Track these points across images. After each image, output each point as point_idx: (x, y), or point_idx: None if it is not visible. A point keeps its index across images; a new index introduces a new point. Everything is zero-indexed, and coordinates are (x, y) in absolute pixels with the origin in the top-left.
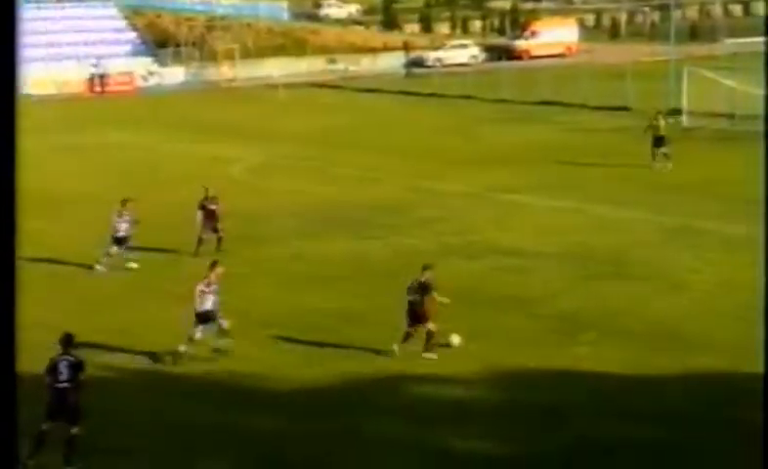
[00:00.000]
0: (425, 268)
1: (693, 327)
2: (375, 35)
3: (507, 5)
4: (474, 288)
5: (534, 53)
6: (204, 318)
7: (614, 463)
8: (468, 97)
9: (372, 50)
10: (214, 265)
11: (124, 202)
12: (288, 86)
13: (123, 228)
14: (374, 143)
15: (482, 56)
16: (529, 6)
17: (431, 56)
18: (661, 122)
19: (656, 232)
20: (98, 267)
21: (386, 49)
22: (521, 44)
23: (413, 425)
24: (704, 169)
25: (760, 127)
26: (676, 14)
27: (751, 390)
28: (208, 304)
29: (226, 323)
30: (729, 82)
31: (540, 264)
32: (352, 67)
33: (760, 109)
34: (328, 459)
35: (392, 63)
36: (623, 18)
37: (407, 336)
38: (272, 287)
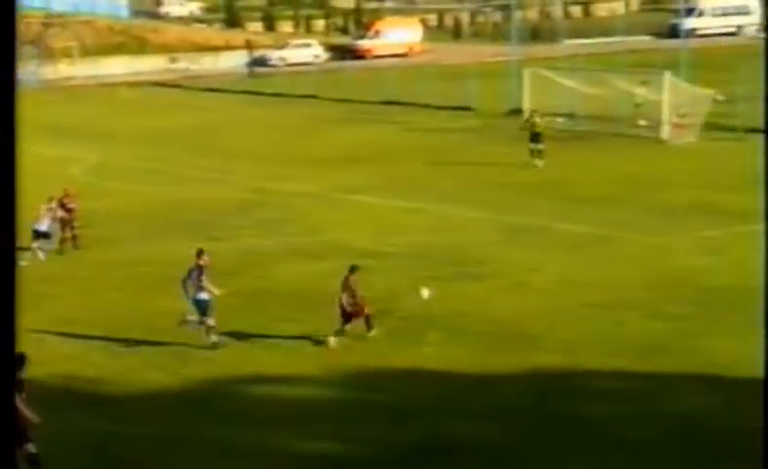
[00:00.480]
0: (351, 270)
1: (534, 325)
2: (217, 34)
3: (350, 4)
4: (320, 289)
5: (378, 52)
6: (200, 307)
7: (457, 462)
8: (312, 96)
9: (214, 49)
10: (200, 254)
11: (50, 199)
12: (130, 85)
13: (46, 224)
14: (218, 143)
15: (325, 55)
16: (372, 5)
17: (274, 55)
18: (537, 119)
19: (498, 231)
20: (40, 254)
21: (228, 48)
22: (364, 44)
23: (253, 428)
24: (546, 168)
25: (600, 127)
26: (517, 15)
27: (590, 385)
28: (203, 293)
29: (212, 321)
30: (569, 82)
31: (386, 264)
32: (194, 67)
33: (599, 109)
34: (158, 464)
35: (235, 62)
36: (466, 18)
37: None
38: (115, 291)
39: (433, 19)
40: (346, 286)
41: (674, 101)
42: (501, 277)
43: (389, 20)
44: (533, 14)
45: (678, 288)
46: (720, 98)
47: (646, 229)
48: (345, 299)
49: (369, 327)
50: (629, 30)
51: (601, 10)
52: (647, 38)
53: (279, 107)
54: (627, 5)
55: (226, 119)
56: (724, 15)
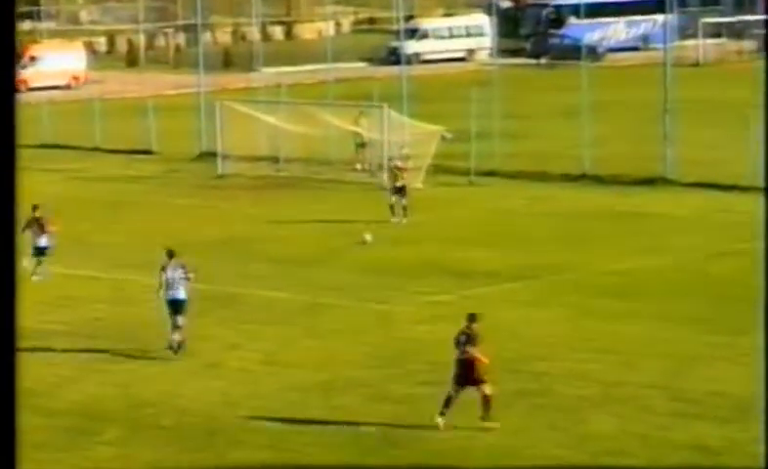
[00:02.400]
0: (471, 318)
1: (232, 416)
2: None
3: None
4: None
5: (34, 84)
6: (178, 306)
7: None
8: None
9: None
10: (171, 255)
11: (35, 208)
12: None
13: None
14: None
15: None
16: (25, 26)
17: None
18: (398, 164)
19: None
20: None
21: None
22: (17, 72)
23: None
24: (240, 225)
25: (308, 172)
26: (205, 37)
27: None
28: (181, 293)
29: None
30: (270, 119)
31: (51, 345)
32: None
33: (305, 151)
34: None
35: None
36: (142, 41)
37: (450, 400)
38: None
39: (102, 42)
40: (471, 340)
41: (395, 140)
42: (191, 356)
43: (47, 43)
44: (224, 36)
45: (406, 365)
46: (448, 136)
47: (364, 294)
48: (475, 352)
49: (486, 409)
50: (339, 55)
51: (307, 31)
52: (361, 64)
53: None
54: (338, 25)
55: None
56: (452, 37)
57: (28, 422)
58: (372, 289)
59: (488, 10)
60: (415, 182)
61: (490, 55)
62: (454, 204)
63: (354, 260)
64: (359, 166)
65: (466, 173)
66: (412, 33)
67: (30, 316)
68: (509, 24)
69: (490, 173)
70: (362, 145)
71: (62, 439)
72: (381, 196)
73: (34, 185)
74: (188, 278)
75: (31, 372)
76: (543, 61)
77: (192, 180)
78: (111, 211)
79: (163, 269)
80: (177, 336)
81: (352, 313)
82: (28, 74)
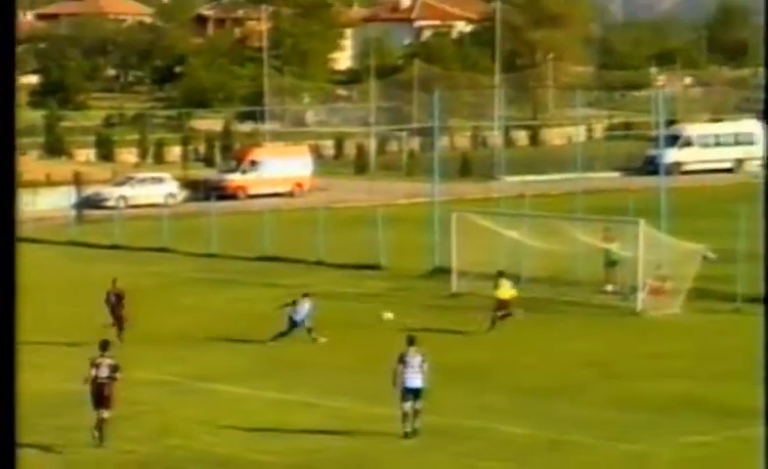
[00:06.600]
0: None
1: None
2: (34, 164)
3: (217, 125)
4: None
5: (254, 191)
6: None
7: None
8: (164, 250)
9: (30, 184)
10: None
11: None
12: None
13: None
14: (31, 315)
15: (182, 194)
16: (246, 128)
17: (113, 193)
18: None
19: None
20: None
21: (49, 183)
22: (235, 178)
23: None
24: (475, 350)
25: (553, 293)
26: (442, 142)
27: None
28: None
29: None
30: (512, 233)
31: None
32: None
33: (552, 270)
34: None
35: (58, 202)
36: (373, 145)
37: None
38: None
39: (329, 146)
40: None
41: (651, 259)
42: None
43: (269, 147)
44: (462, 140)
45: None
46: (712, 256)
47: (613, 432)
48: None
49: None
50: (591, 164)
51: (555, 137)
52: (614, 175)
53: (118, 265)
54: (589, 131)
55: (43, 280)
56: (719, 145)
57: None
58: (621, 427)
59: (759, 115)
60: (673, 306)
61: (763, 166)
62: (716, 334)
63: (600, 393)
64: (609, 287)
65: (732, 299)
66: (674, 140)
67: (238, 444)
68: None
69: (761, 300)
70: (613, 263)
71: None
72: (633, 322)
73: (253, 301)
74: None
75: None
76: None
77: (423, 299)
78: (335, 331)
79: None
80: None
81: (599, 453)
82: (248, 180)
